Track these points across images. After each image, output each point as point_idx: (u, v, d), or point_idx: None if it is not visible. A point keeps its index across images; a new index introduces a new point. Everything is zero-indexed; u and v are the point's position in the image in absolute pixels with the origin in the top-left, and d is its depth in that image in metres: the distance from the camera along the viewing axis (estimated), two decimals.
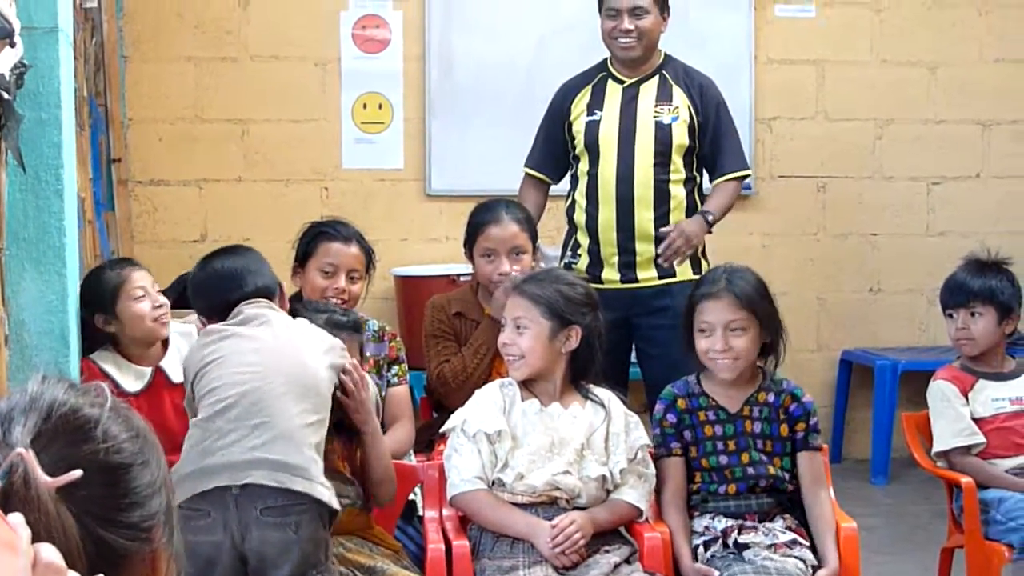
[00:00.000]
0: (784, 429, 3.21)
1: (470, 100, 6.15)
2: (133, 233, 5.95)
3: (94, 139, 5.30)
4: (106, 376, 3.56)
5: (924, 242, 6.54)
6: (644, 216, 4.38)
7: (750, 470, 3.18)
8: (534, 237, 4.06)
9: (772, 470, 3.19)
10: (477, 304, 4.05)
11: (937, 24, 6.49)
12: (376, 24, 6.12)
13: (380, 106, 6.15)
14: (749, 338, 3.19)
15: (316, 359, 2.97)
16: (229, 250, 3.39)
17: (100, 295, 3.57)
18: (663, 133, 4.39)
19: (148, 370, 3.66)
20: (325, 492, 2.80)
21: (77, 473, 1.13)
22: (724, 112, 4.52)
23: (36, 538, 1.05)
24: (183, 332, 3.76)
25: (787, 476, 3.23)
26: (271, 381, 2.86)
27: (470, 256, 4.09)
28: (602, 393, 3.19)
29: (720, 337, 3.17)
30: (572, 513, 3.01)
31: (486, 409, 3.10)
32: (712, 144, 4.48)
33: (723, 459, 3.20)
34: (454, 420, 3.15)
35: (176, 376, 3.67)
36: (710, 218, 4.41)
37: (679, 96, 4.44)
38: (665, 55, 4.52)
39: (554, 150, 4.58)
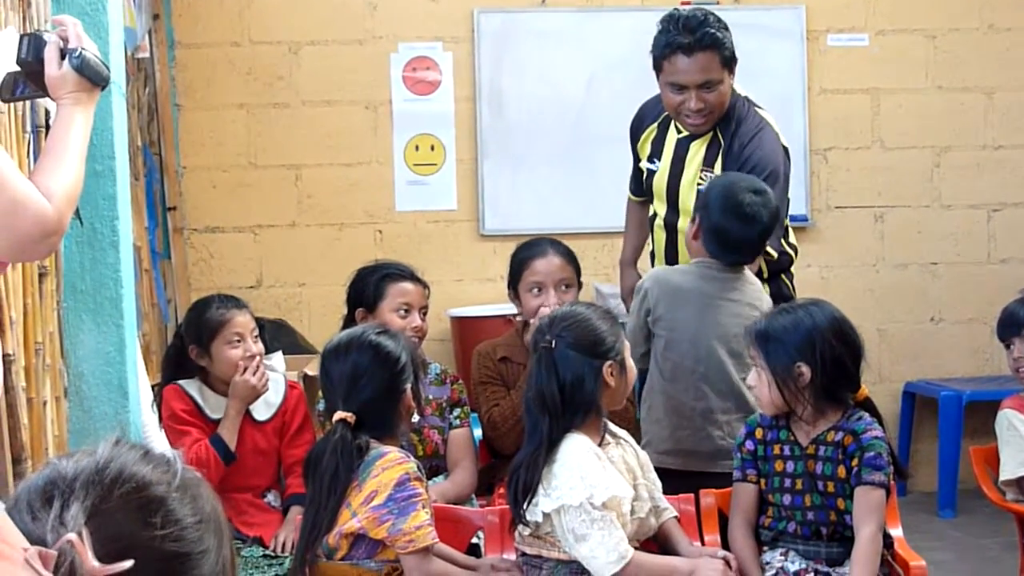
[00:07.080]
0: (842, 470, 3.01)
1: (522, 139, 6.14)
2: (190, 280, 5.99)
3: (149, 188, 5.34)
4: (190, 399, 3.70)
5: (986, 270, 6.44)
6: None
7: (810, 515, 3.05)
8: (579, 273, 4.00)
9: (834, 516, 3.03)
10: (523, 347, 3.88)
11: (992, 49, 6.42)
12: (426, 66, 6.14)
13: (432, 147, 6.15)
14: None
15: None
16: None
17: (199, 330, 3.71)
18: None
19: None
20: None
21: (126, 564, 1.10)
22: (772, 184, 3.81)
23: None
24: (271, 378, 3.84)
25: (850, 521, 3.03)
26: None
27: (515, 296, 4.02)
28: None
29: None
30: (718, 554, 3.04)
31: (602, 474, 2.91)
32: None
33: (787, 498, 3.08)
34: (570, 496, 2.86)
35: (259, 415, 3.78)
36: None
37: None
38: (730, 103, 4.02)
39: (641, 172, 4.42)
